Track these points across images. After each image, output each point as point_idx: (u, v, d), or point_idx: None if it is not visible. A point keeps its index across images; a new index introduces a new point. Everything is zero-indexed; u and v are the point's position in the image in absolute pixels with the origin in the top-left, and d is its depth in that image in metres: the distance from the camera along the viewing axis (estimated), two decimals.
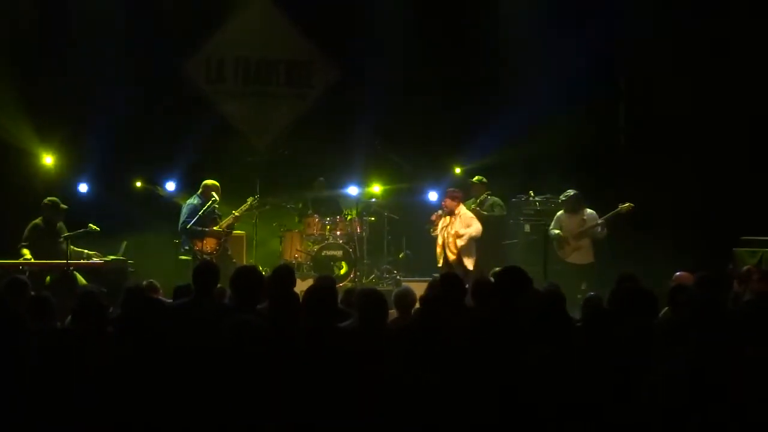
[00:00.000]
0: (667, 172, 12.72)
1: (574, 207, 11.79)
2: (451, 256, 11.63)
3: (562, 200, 11.91)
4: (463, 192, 12.16)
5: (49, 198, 11.04)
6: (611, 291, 6.23)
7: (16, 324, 5.13)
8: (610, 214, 11.62)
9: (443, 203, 11.78)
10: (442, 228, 11.72)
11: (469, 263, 11.56)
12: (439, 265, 11.71)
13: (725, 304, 4.89)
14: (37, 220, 10.91)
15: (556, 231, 11.89)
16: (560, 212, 12.05)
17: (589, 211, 11.85)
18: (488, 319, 5.44)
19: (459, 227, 11.60)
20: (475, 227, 11.60)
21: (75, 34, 12.37)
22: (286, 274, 6.84)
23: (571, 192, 11.84)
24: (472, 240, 11.60)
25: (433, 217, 11.85)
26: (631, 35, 13.08)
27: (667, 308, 6.38)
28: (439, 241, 11.76)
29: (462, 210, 11.74)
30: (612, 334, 4.68)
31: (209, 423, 4.28)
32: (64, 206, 11.04)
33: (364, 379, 4.46)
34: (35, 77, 12.21)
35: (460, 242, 11.56)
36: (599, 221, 11.67)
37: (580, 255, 11.79)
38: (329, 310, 5.50)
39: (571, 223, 11.84)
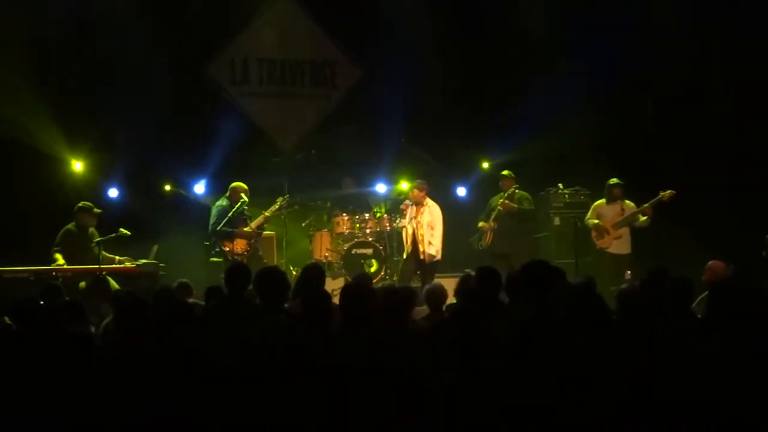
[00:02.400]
0: (697, 161, 12.62)
1: (622, 194, 11.73)
2: (421, 246, 11.66)
3: (612, 184, 11.81)
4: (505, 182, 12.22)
5: (82, 202, 11.10)
6: (645, 282, 6.19)
7: (52, 329, 5.17)
8: (653, 201, 11.56)
9: (411, 194, 11.84)
10: (410, 218, 11.75)
11: (432, 251, 11.62)
12: (407, 253, 11.80)
13: (764, 293, 4.82)
14: (70, 225, 10.97)
15: (595, 220, 11.84)
16: (598, 202, 12.03)
17: (627, 201, 11.81)
18: (522, 315, 5.41)
19: (428, 218, 11.64)
20: (439, 229, 11.66)
21: (102, 39, 12.42)
22: (315, 273, 6.85)
23: (617, 180, 11.80)
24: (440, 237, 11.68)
25: (403, 206, 11.94)
26: (657, 25, 12.99)
27: (703, 295, 6.33)
28: (409, 231, 11.79)
29: (430, 202, 11.78)
30: (650, 325, 4.64)
31: (242, 424, 4.28)
32: (98, 210, 11.10)
33: (398, 380, 4.45)
34: (63, 84, 12.27)
35: (431, 235, 11.62)
36: (639, 209, 11.64)
37: (620, 245, 11.78)
38: (366, 310, 5.46)
39: (611, 213, 11.81)
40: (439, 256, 11.67)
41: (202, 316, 5.48)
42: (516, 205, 12.20)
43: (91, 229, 10.98)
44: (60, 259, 10.63)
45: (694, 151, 12.76)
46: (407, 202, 11.92)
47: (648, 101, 13.85)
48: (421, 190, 11.78)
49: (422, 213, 11.71)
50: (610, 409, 4.15)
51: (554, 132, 12.96)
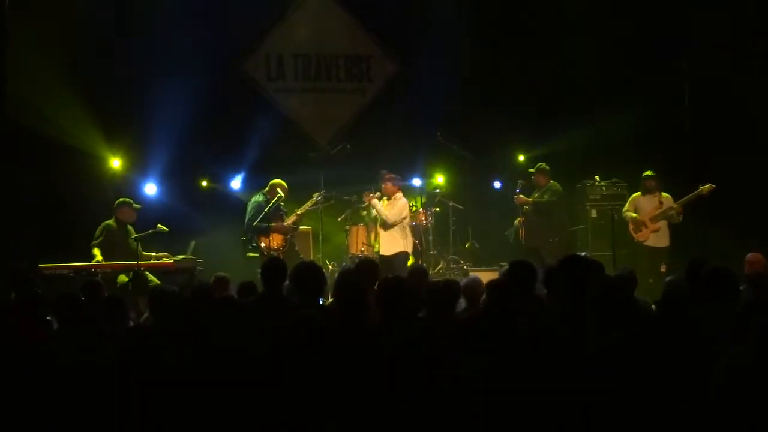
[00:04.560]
0: (734, 154, 12.48)
1: (656, 186, 11.63)
2: (379, 239, 11.79)
3: (646, 176, 11.72)
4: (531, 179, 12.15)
5: (122, 198, 11.22)
6: (687, 275, 6.14)
7: (91, 325, 5.23)
8: (691, 195, 11.46)
9: (383, 186, 11.80)
10: (377, 213, 11.82)
11: (387, 249, 11.62)
12: (375, 250, 11.84)
13: None
14: (110, 221, 11.09)
15: (633, 214, 11.75)
16: (636, 194, 11.94)
17: (665, 194, 11.71)
18: (557, 308, 5.40)
19: (390, 212, 11.69)
20: (388, 212, 11.64)
21: (139, 37, 12.52)
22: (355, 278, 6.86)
23: (650, 173, 11.69)
24: (397, 226, 11.65)
25: (366, 199, 11.93)
26: (693, 15, 12.86)
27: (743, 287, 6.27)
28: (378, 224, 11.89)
29: (399, 196, 11.80)
30: (691, 319, 4.60)
31: (282, 419, 4.30)
32: (138, 205, 11.22)
33: (435, 371, 4.45)
34: (101, 82, 12.36)
35: (390, 232, 11.66)
36: (676, 204, 11.53)
37: (658, 238, 11.68)
38: (400, 303, 5.46)
39: (648, 205, 11.71)
40: (401, 249, 11.66)
41: (238, 312, 5.50)
42: (531, 199, 12.13)
43: (129, 225, 11.09)
44: (98, 254, 10.75)
45: (732, 144, 12.62)
46: (376, 193, 11.85)
47: (686, 93, 13.70)
48: (394, 184, 11.80)
49: (388, 208, 11.74)
50: (643, 405, 4.12)
51: (591, 124, 12.87)
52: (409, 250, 11.82)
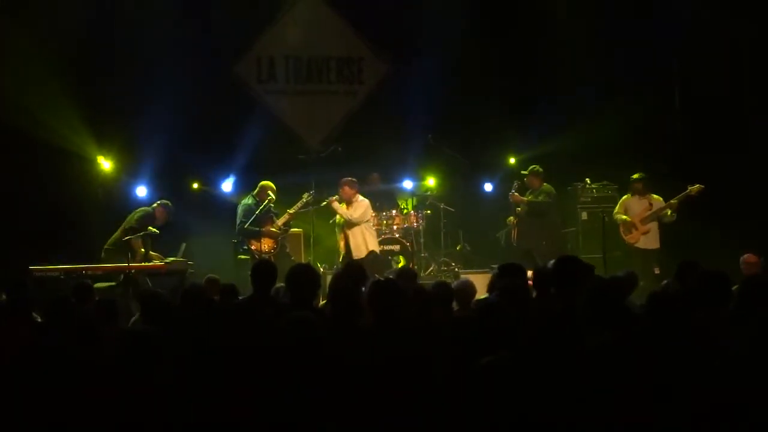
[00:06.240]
0: (725, 155, 12.51)
1: (645, 188, 11.65)
2: (342, 243, 11.82)
3: (634, 179, 11.74)
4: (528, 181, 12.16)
5: (167, 200, 11.35)
6: (676, 277, 6.15)
7: (85, 328, 5.21)
8: (680, 196, 11.48)
9: (341, 191, 11.79)
10: (340, 218, 11.85)
11: (357, 251, 11.62)
12: (343, 255, 11.85)
13: None
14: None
15: (624, 216, 11.77)
16: (626, 196, 11.96)
17: (655, 196, 11.73)
18: (548, 309, 5.40)
19: (355, 215, 11.70)
20: (352, 212, 11.65)
21: (130, 39, 12.49)
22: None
23: (639, 175, 11.72)
24: (363, 227, 11.70)
25: (329, 201, 11.87)
26: (683, 17, 12.90)
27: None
28: (338, 232, 11.93)
29: (360, 198, 11.83)
30: (680, 321, 4.60)
31: (269, 421, 4.29)
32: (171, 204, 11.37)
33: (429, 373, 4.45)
34: (92, 83, 12.34)
35: (360, 234, 11.69)
36: (666, 204, 11.56)
37: (648, 240, 11.70)
38: (395, 305, 5.47)
39: (638, 207, 11.73)
40: (369, 249, 11.67)
41: (227, 313, 5.50)
42: (526, 199, 12.14)
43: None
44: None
45: (722, 145, 12.65)
46: (336, 197, 11.86)
47: (676, 96, 13.74)
48: (351, 186, 11.77)
49: (351, 210, 11.77)
50: (631, 408, 4.12)
51: (582, 127, 12.90)
52: (376, 249, 11.84)
